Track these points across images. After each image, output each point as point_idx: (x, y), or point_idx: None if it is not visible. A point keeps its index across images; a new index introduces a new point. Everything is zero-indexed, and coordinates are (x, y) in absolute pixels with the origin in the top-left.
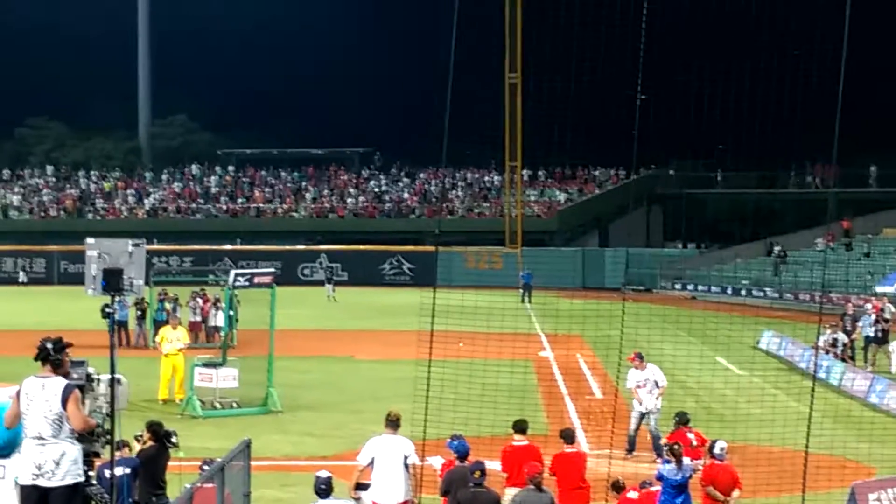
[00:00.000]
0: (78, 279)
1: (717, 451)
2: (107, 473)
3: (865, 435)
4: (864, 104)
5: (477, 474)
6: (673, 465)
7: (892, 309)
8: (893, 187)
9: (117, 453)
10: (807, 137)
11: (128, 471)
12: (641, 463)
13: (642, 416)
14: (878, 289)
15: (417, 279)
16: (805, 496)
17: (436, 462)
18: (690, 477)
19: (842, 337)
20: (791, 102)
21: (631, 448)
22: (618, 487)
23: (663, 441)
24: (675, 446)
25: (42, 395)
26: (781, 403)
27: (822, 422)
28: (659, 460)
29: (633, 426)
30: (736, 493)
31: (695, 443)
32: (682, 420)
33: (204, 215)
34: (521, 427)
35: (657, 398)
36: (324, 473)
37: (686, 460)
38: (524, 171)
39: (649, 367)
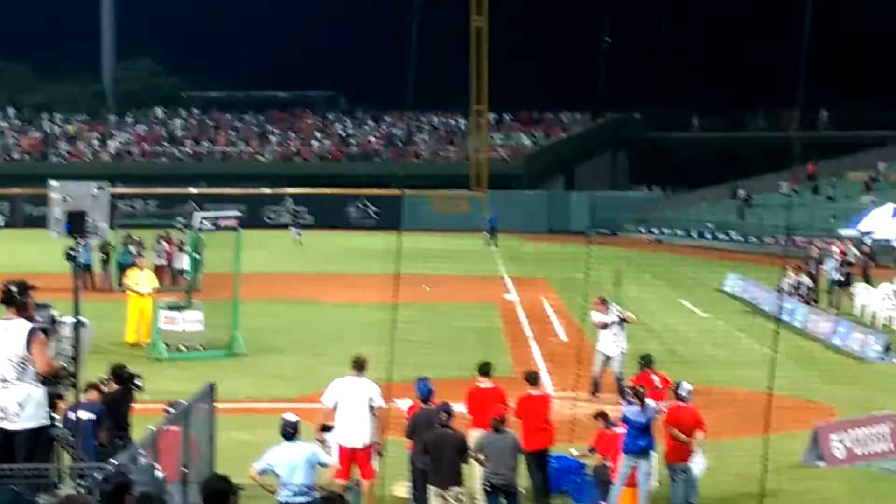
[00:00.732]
0: (42, 222)
1: (681, 392)
2: (72, 416)
3: (828, 376)
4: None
5: (443, 416)
6: (636, 407)
7: (856, 252)
8: (858, 131)
9: (84, 396)
10: (771, 81)
11: (92, 416)
12: (606, 405)
13: (606, 358)
14: (842, 232)
15: (383, 222)
16: (768, 437)
17: (403, 404)
18: (654, 419)
19: (806, 280)
20: (755, 47)
21: (595, 390)
22: (605, 417)
23: (627, 383)
24: (639, 388)
25: (6, 337)
26: (745, 346)
27: (786, 364)
28: (623, 402)
29: (596, 368)
30: (700, 435)
31: (659, 385)
32: (647, 362)
33: (168, 158)
34: (485, 370)
35: (624, 343)
36: (291, 416)
37: (650, 402)
38: (490, 115)
39: (612, 308)
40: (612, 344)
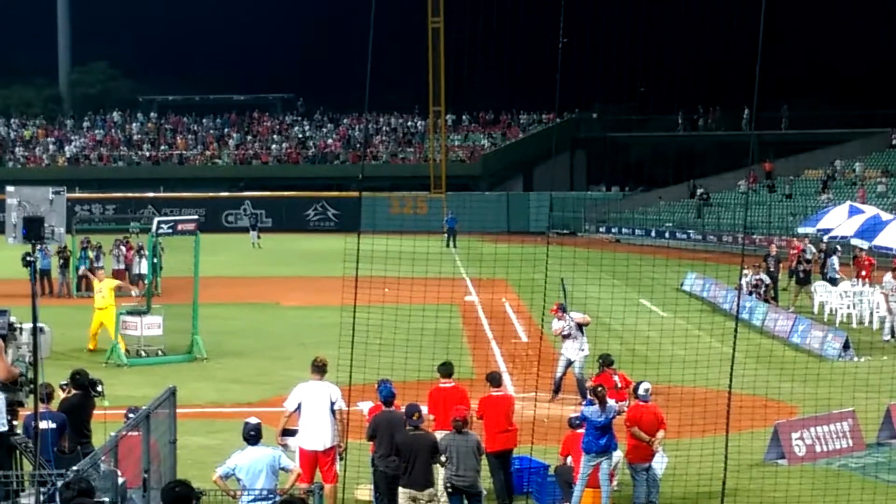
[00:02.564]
0: None
1: (641, 392)
2: (32, 425)
3: (788, 375)
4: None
5: (415, 416)
6: (596, 407)
7: (813, 250)
8: (814, 129)
9: (43, 406)
10: (726, 80)
11: (53, 426)
12: (567, 405)
13: (569, 362)
14: (800, 229)
15: (342, 225)
16: (728, 436)
17: (364, 406)
18: (614, 418)
19: (765, 278)
20: (711, 45)
21: (556, 391)
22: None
23: (588, 384)
24: (599, 388)
25: None
26: (705, 344)
27: (746, 362)
28: (583, 402)
29: (559, 371)
30: (661, 434)
31: (619, 385)
32: (607, 362)
33: (126, 163)
34: (447, 371)
35: (585, 345)
36: (253, 420)
37: (610, 402)
38: (448, 117)
39: (569, 315)
40: (574, 350)
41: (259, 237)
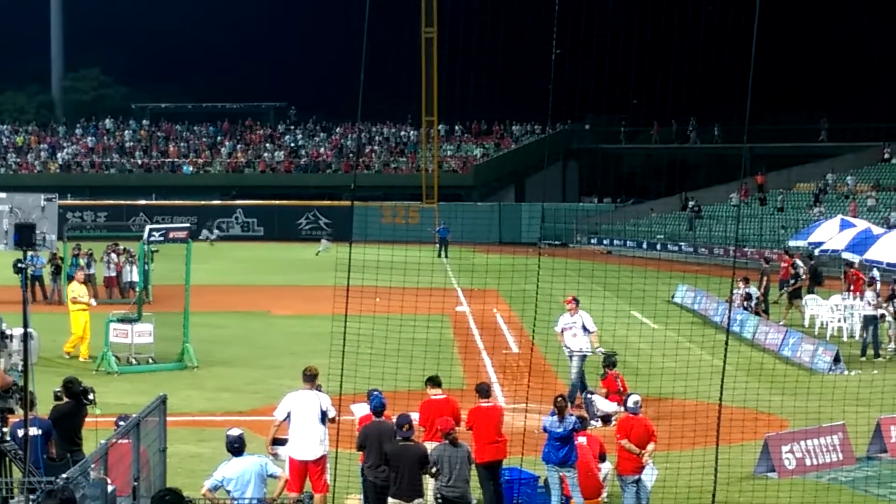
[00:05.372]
0: None
1: (630, 404)
2: (20, 433)
3: (778, 388)
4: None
5: (406, 427)
6: (555, 418)
7: (800, 264)
8: (806, 142)
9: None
10: (719, 92)
11: (38, 432)
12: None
13: (584, 356)
14: (791, 243)
15: (334, 234)
16: (719, 448)
17: (356, 410)
18: (574, 430)
19: (754, 291)
20: (705, 58)
21: (583, 388)
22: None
23: (595, 394)
24: (559, 399)
25: None
26: (696, 357)
27: (736, 375)
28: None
29: (575, 371)
30: (650, 447)
31: (621, 389)
32: (610, 362)
33: (118, 170)
34: (436, 381)
35: (587, 343)
36: (235, 431)
37: (571, 417)
38: (441, 127)
39: (580, 313)
40: (571, 341)
41: (213, 236)
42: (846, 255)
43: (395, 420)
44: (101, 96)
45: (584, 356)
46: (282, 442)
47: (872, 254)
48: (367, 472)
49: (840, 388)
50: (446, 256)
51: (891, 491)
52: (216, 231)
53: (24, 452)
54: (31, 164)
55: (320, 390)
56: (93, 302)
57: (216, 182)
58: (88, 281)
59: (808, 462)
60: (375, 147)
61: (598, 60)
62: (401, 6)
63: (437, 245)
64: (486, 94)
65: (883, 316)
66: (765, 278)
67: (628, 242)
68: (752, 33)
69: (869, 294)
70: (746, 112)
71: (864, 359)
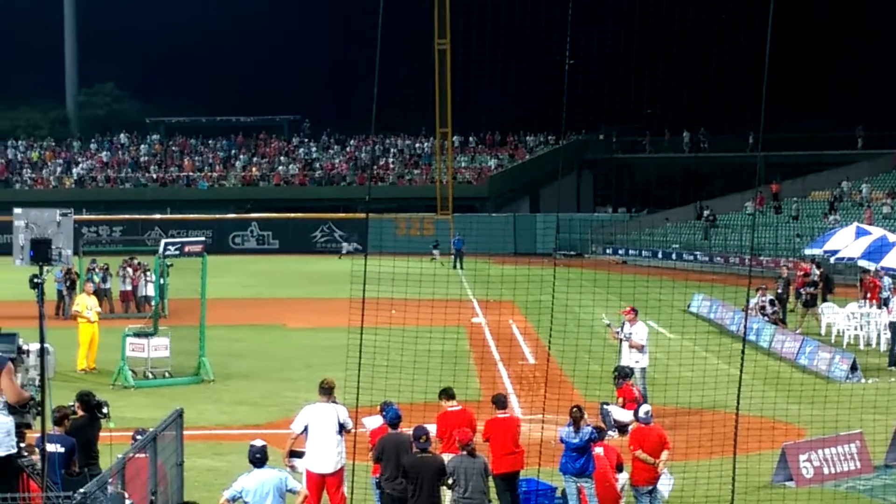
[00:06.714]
0: (6, 250)
1: (641, 415)
2: (49, 447)
3: (795, 396)
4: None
5: (423, 439)
6: (571, 429)
7: (816, 271)
8: (821, 150)
9: (57, 428)
10: (734, 101)
11: (62, 450)
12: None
13: (643, 369)
14: (807, 251)
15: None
16: (736, 458)
17: (368, 423)
18: (591, 440)
19: (770, 298)
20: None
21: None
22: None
23: (612, 404)
24: (574, 409)
25: None
26: (712, 366)
27: (753, 384)
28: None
29: (640, 385)
30: (664, 455)
31: (638, 398)
32: (623, 373)
33: (133, 184)
34: (449, 394)
35: (641, 356)
36: (258, 442)
37: (587, 427)
38: (455, 138)
39: (639, 324)
40: (626, 356)
41: (351, 248)
42: (862, 263)
43: (411, 432)
44: (116, 111)
45: (643, 369)
46: (299, 454)
47: (888, 261)
48: (385, 484)
49: (857, 396)
50: (461, 268)
51: None
52: (354, 244)
53: (42, 467)
54: (47, 179)
55: (336, 403)
56: (91, 315)
57: (231, 196)
58: (105, 295)
59: (825, 471)
60: (390, 159)
61: (612, 70)
62: (414, 18)
63: (453, 256)
64: (500, 104)
65: None
66: (789, 286)
67: (643, 252)
68: (766, 42)
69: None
70: (761, 121)
71: (893, 368)
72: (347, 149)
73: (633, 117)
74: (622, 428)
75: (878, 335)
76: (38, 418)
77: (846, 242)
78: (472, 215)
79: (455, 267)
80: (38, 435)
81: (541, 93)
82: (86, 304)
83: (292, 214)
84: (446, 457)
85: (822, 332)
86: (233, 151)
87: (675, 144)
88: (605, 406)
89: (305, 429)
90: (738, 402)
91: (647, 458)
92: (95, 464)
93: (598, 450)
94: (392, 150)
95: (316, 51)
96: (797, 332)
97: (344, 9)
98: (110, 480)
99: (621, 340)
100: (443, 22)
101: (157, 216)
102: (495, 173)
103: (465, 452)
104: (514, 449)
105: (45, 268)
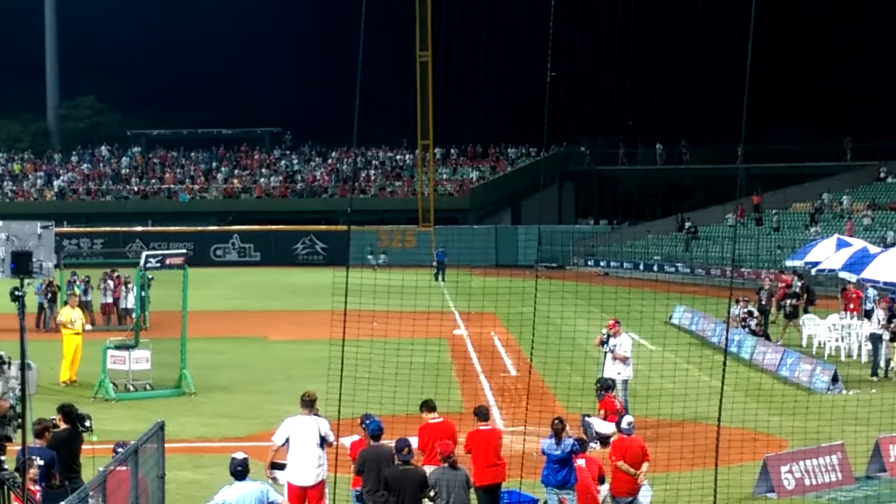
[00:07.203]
0: None
1: (624, 426)
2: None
3: (777, 408)
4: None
5: (405, 451)
6: (553, 441)
7: (798, 283)
8: (802, 162)
9: (38, 441)
10: (714, 113)
11: (41, 462)
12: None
13: (625, 381)
14: (788, 263)
15: (330, 258)
16: (717, 469)
17: (347, 441)
18: (572, 452)
19: (753, 311)
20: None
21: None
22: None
23: (593, 416)
24: (556, 421)
25: None
26: (693, 378)
27: (734, 396)
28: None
29: (621, 396)
30: (645, 466)
31: (620, 409)
32: (605, 385)
33: (114, 197)
34: (430, 406)
35: (625, 368)
36: (240, 455)
37: (568, 439)
38: (436, 150)
39: (623, 336)
40: (610, 368)
41: (380, 261)
42: (843, 275)
43: (393, 444)
44: (97, 123)
45: (625, 381)
46: (280, 466)
47: (869, 273)
48: (367, 496)
49: (838, 407)
50: (443, 280)
51: None
52: (382, 256)
53: (23, 480)
54: (28, 191)
55: (318, 415)
56: (88, 327)
57: (212, 208)
58: (84, 307)
59: (807, 482)
60: (371, 171)
61: (592, 83)
62: (395, 30)
63: (435, 268)
64: (482, 117)
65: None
66: (771, 297)
67: (625, 264)
68: (747, 55)
69: (879, 313)
70: (742, 132)
71: (875, 378)
72: (329, 161)
73: (615, 129)
74: (604, 440)
75: (860, 346)
76: (19, 431)
77: (827, 254)
78: (454, 227)
79: (437, 279)
80: (19, 448)
81: (522, 105)
82: (70, 316)
83: (274, 227)
84: (428, 469)
85: (804, 343)
86: (214, 164)
87: (649, 157)
88: (586, 418)
89: (287, 441)
90: (719, 414)
91: (629, 469)
92: (77, 476)
93: (580, 461)
94: (374, 162)
95: (297, 64)
96: (779, 343)
97: (324, 22)
98: (91, 493)
99: (606, 353)
100: (424, 34)
101: (139, 228)
102: (477, 185)
103: (446, 464)
104: (496, 461)
105: (26, 280)
